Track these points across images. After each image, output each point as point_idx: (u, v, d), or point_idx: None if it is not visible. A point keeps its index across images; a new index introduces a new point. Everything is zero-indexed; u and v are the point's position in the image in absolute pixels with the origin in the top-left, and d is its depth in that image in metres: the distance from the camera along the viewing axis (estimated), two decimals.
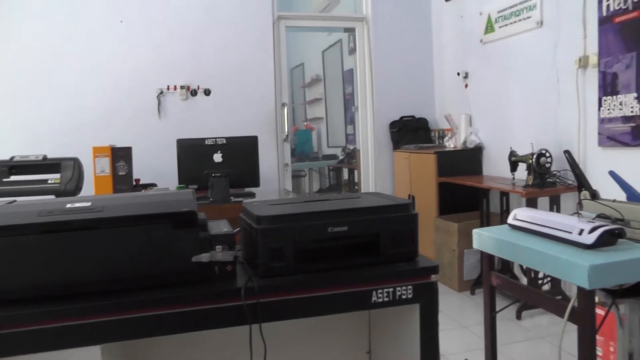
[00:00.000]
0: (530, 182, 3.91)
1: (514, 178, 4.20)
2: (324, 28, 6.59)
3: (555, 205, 3.96)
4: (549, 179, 3.90)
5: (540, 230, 2.03)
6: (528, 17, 4.29)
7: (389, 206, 1.57)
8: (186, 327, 1.40)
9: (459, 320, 3.84)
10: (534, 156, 3.87)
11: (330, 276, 1.49)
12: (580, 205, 2.26)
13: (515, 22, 4.46)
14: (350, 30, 5.87)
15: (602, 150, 3.65)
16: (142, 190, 3.64)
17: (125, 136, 4.48)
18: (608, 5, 3.51)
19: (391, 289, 1.50)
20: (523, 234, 2.11)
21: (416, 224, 1.60)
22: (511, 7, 4.48)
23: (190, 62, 4.98)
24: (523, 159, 4.02)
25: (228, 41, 5.05)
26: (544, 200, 3.95)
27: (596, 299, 2.51)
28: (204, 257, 1.43)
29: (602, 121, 3.61)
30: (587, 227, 1.85)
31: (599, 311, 2.76)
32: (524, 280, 4.14)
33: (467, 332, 3.61)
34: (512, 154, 4.18)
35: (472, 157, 4.98)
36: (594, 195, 2.36)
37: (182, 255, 1.42)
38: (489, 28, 4.79)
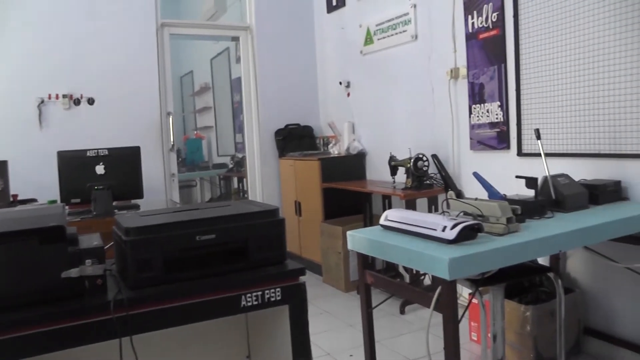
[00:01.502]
0: (408, 185, 4.12)
1: (394, 181, 4.40)
2: (209, 36, 6.55)
3: (433, 205, 4.21)
4: (426, 181, 4.14)
5: (408, 229, 2.19)
6: (404, 31, 4.54)
7: (256, 213, 1.63)
8: (56, 345, 1.37)
9: (346, 320, 3.97)
10: (412, 160, 4.08)
11: (199, 284, 1.52)
12: (447, 204, 2.44)
13: (392, 35, 4.69)
14: (236, 39, 5.88)
15: (473, 153, 3.93)
16: (19, 206, 3.46)
17: (1, 149, 4.18)
18: (473, 23, 3.81)
19: (260, 293, 1.56)
20: (393, 233, 2.26)
21: (283, 228, 1.67)
22: (388, 21, 4.71)
23: (72, 70, 4.73)
24: (402, 163, 4.22)
25: (111, 48, 4.87)
26: (422, 201, 4.19)
27: (470, 290, 2.72)
28: (74, 272, 1.41)
29: (472, 127, 3.90)
30: (450, 224, 2.02)
31: (475, 300, 2.97)
32: (407, 277, 4.37)
33: (353, 330, 3.75)
34: (392, 158, 4.37)
35: (355, 162, 5.16)
36: (459, 195, 2.57)
37: (50, 271, 1.39)
38: (369, 40, 5.00)
